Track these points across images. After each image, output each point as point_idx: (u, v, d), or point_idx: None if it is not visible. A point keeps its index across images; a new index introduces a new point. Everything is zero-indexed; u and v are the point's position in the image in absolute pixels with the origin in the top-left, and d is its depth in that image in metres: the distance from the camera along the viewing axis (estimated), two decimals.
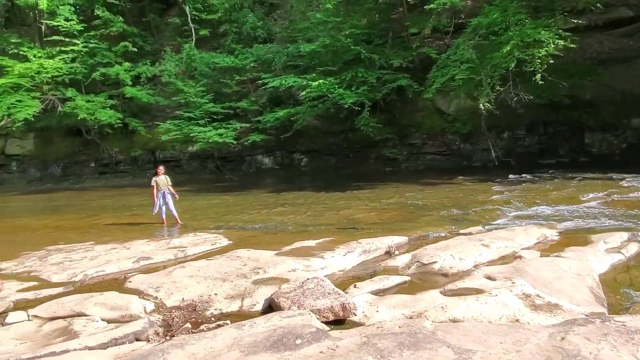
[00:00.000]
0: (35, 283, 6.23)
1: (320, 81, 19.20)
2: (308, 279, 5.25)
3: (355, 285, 5.33)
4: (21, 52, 25.94)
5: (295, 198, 14.40)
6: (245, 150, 25.67)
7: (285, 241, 7.83)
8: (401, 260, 6.41)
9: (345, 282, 5.66)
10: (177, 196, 10.93)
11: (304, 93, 19.93)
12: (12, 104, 24.62)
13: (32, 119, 25.08)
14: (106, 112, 25.89)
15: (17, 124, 25.05)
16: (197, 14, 28.84)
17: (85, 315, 4.83)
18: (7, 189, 27.32)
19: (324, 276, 5.59)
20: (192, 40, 28.41)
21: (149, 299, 5.27)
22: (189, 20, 28.93)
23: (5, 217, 14.84)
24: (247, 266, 6.18)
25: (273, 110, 22.60)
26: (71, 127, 27.83)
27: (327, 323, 4.34)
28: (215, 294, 5.31)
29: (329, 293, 4.77)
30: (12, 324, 4.77)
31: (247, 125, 23.65)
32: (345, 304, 4.52)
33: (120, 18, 28.49)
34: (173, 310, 4.99)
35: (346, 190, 15.16)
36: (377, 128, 20.34)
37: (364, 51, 19.80)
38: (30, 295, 5.67)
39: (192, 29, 28.89)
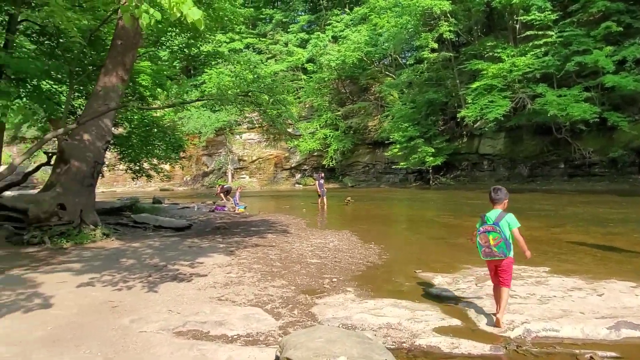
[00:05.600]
0: (460, 324, 4.55)
1: None
2: None
3: None
4: (495, 54, 26.56)
5: None
6: None
7: None
8: None
9: None
10: None
11: None
12: (484, 104, 25.57)
13: (502, 119, 25.24)
14: (580, 106, 22.75)
15: (489, 124, 25.92)
16: None
17: None
18: (478, 186, 28.84)
19: None
20: None
21: None
22: None
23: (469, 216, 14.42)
24: None
25: None
26: (540, 125, 26.54)
27: None
28: None
29: None
30: None
31: None
32: None
33: None
34: None
35: None
36: None
37: None
38: (445, 344, 4.02)
39: None
